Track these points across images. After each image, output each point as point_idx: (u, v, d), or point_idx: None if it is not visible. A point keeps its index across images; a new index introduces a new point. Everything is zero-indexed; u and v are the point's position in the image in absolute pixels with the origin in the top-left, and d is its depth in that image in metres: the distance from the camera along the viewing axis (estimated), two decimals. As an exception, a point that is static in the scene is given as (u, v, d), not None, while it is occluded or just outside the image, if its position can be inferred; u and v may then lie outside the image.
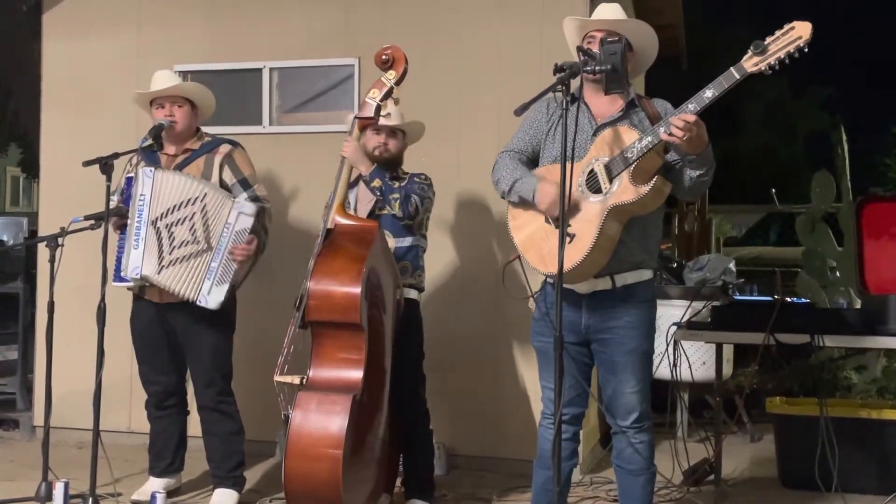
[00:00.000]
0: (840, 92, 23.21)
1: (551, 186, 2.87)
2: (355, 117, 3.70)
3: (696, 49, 7.45)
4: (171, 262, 3.71)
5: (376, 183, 3.66)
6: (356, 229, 3.56)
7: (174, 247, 3.72)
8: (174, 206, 3.72)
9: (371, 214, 3.72)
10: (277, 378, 3.50)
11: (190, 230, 3.72)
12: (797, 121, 24.08)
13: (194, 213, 3.73)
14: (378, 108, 3.63)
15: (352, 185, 3.82)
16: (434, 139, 4.18)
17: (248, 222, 3.74)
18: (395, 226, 3.71)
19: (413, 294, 3.80)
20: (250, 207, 3.77)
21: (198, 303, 3.73)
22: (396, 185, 3.68)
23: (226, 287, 3.73)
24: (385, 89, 3.62)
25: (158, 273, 3.72)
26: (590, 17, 3.12)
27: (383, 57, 3.66)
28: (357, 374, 3.38)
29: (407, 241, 3.75)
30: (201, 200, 3.74)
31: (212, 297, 3.73)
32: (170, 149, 3.90)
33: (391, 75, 3.63)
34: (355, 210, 3.73)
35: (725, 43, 19.62)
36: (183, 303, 3.79)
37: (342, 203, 3.62)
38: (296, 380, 3.45)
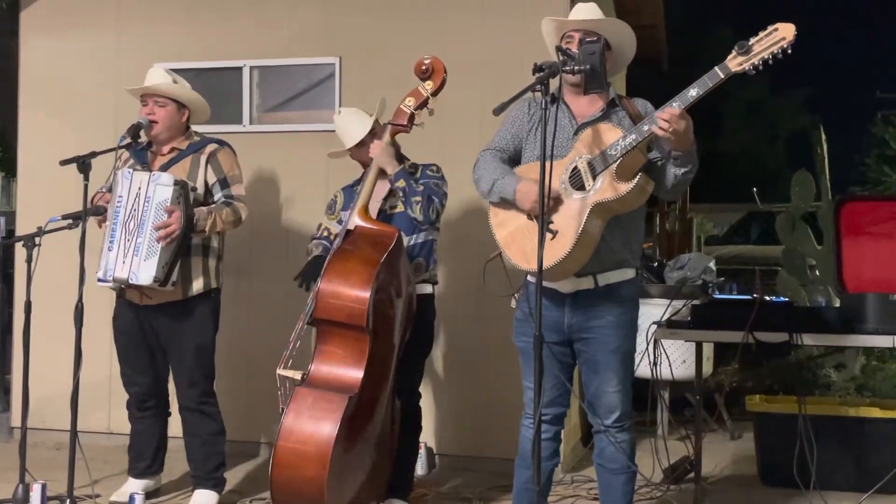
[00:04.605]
0: (820, 92, 23.43)
1: (532, 185, 2.86)
2: (389, 123, 3.69)
3: (677, 50, 7.48)
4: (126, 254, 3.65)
5: (400, 184, 3.61)
6: (375, 233, 3.50)
7: (130, 240, 3.65)
8: (133, 202, 3.66)
9: (381, 212, 3.67)
10: (280, 371, 3.48)
11: (135, 219, 3.65)
12: (778, 120, 24.23)
13: (138, 200, 3.65)
14: (412, 117, 3.64)
15: (355, 182, 3.81)
16: (416, 136, 4.17)
17: (166, 193, 3.61)
18: (408, 223, 3.64)
19: (428, 289, 3.74)
20: (167, 178, 3.65)
21: (130, 281, 3.63)
22: (421, 188, 3.60)
23: (154, 261, 3.59)
24: (421, 99, 3.63)
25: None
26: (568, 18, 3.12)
27: (423, 66, 3.64)
28: (357, 376, 3.36)
29: (420, 238, 3.69)
30: (140, 187, 3.66)
31: (141, 273, 3.60)
32: (157, 147, 3.88)
33: (429, 86, 3.64)
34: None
35: (707, 44, 19.73)
36: (162, 304, 3.77)
37: (365, 206, 3.57)
38: (297, 375, 3.43)
